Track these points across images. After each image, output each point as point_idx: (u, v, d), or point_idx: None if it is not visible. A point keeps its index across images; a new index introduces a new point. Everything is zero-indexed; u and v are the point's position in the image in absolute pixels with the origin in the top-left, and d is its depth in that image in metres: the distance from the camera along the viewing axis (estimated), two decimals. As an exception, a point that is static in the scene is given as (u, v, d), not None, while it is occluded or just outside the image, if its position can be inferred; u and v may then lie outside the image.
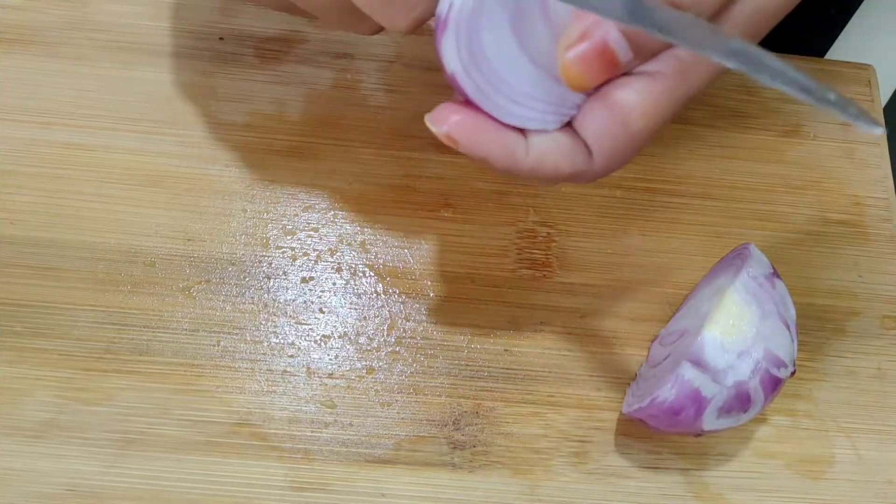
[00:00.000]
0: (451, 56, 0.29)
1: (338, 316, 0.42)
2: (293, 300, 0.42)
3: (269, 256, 0.43)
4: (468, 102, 0.29)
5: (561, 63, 0.27)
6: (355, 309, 0.43)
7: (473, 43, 0.29)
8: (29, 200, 0.43)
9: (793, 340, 0.37)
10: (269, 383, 0.41)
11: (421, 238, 0.44)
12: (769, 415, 0.42)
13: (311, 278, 0.43)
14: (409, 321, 0.42)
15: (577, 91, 0.28)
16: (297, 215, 0.44)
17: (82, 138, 0.44)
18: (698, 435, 0.39)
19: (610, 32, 0.26)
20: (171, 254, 0.43)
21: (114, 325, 0.41)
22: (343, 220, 0.44)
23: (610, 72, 0.27)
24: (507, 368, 0.42)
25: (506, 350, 0.42)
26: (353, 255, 0.44)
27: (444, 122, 0.29)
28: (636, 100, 0.28)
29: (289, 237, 0.44)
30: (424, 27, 0.31)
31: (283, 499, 0.39)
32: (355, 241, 0.44)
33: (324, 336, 0.42)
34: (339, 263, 0.43)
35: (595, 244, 0.45)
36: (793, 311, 0.38)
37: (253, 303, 0.42)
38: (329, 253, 0.44)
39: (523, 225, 0.45)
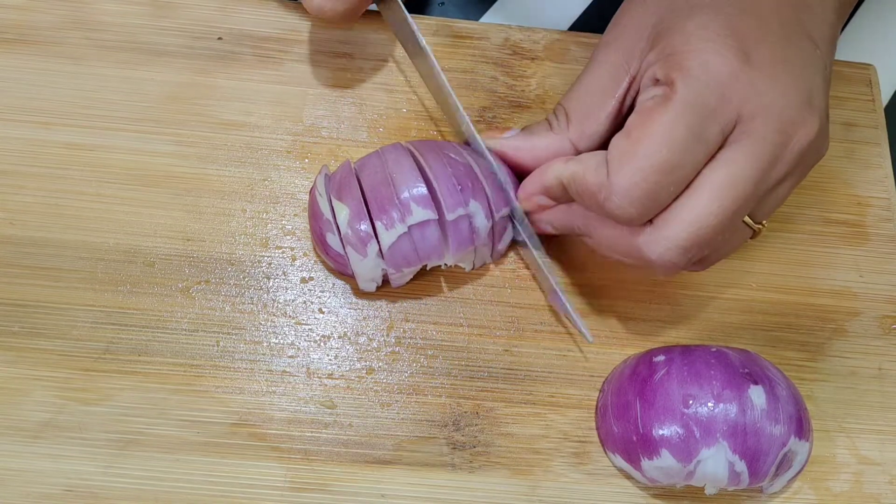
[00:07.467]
0: None
1: (337, 316, 0.42)
2: (293, 300, 0.42)
3: (268, 256, 0.43)
4: None
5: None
6: (355, 309, 0.42)
7: None
8: (29, 200, 0.43)
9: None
10: (269, 384, 0.41)
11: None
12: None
13: (311, 278, 0.43)
14: (408, 321, 0.42)
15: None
16: (296, 215, 0.44)
17: (82, 138, 0.44)
18: None
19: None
20: (171, 254, 0.43)
21: (113, 326, 0.41)
22: (343, 220, 0.44)
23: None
24: (507, 368, 0.42)
25: (506, 350, 0.42)
26: (353, 255, 0.43)
27: None
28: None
29: (288, 237, 0.44)
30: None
31: (283, 499, 0.39)
32: (355, 241, 0.44)
33: (323, 336, 0.42)
34: (338, 263, 0.43)
35: (595, 244, 0.45)
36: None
37: (252, 303, 0.42)
38: (329, 253, 0.43)
39: (523, 225, 0.45)
